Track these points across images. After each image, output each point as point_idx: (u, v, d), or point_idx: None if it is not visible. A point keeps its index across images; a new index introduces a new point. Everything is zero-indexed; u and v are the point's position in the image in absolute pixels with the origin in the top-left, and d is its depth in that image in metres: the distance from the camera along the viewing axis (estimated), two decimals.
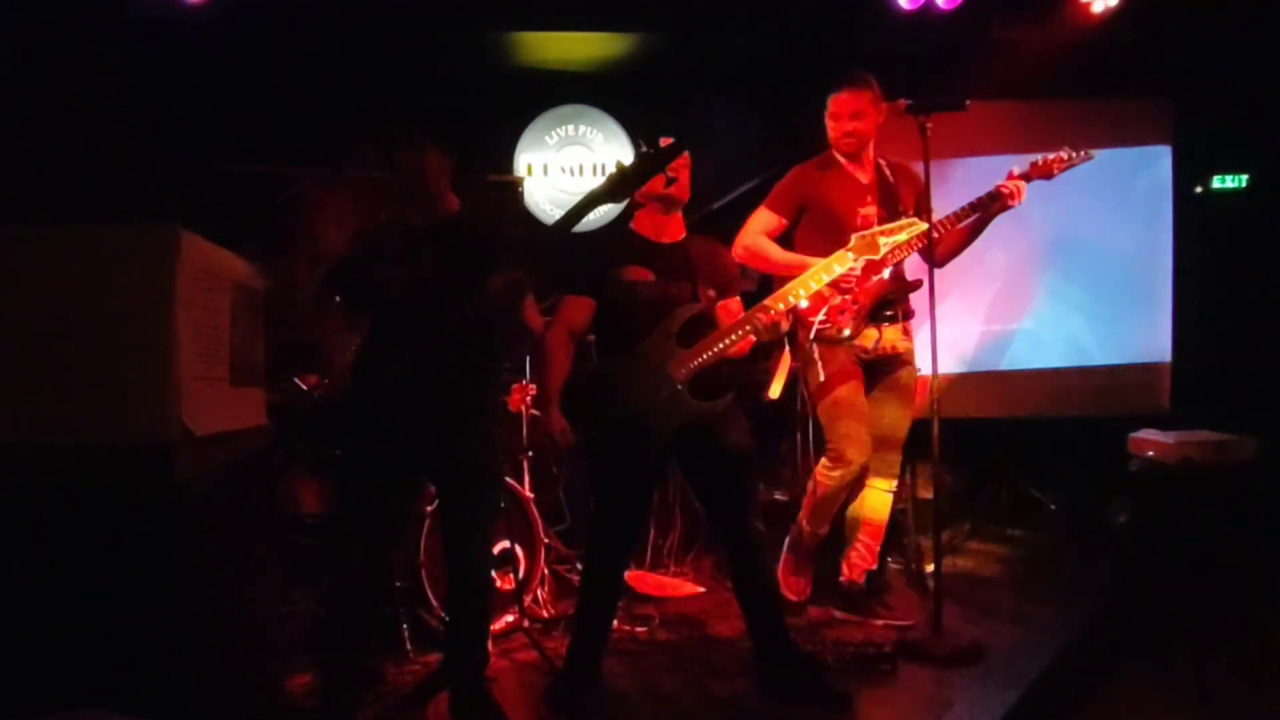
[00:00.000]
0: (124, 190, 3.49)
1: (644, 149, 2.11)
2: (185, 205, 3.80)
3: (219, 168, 4.04)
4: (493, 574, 2.43)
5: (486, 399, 2.41)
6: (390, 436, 2.22)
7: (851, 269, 2.88)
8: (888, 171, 3.16)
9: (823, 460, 3.05)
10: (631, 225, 2.65)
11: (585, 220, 2.17)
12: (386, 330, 2.28)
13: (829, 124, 3.12)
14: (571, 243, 2.37)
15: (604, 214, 4.50)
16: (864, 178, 3.12)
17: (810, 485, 3.11)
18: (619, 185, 2.11)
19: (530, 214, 4.70)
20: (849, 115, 3.05)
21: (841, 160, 3.12)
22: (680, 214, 2.63)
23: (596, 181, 4.78)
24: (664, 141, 2.11)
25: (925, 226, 2.77)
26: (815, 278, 2.61)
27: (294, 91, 4.18)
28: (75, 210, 3.08)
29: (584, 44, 4.40)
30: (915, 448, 3.27)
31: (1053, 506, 4.54)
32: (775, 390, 3.01)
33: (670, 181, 2.49)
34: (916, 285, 3.12)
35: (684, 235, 2.63)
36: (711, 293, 2.57)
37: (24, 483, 1.23)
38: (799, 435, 3.65)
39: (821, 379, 3.03)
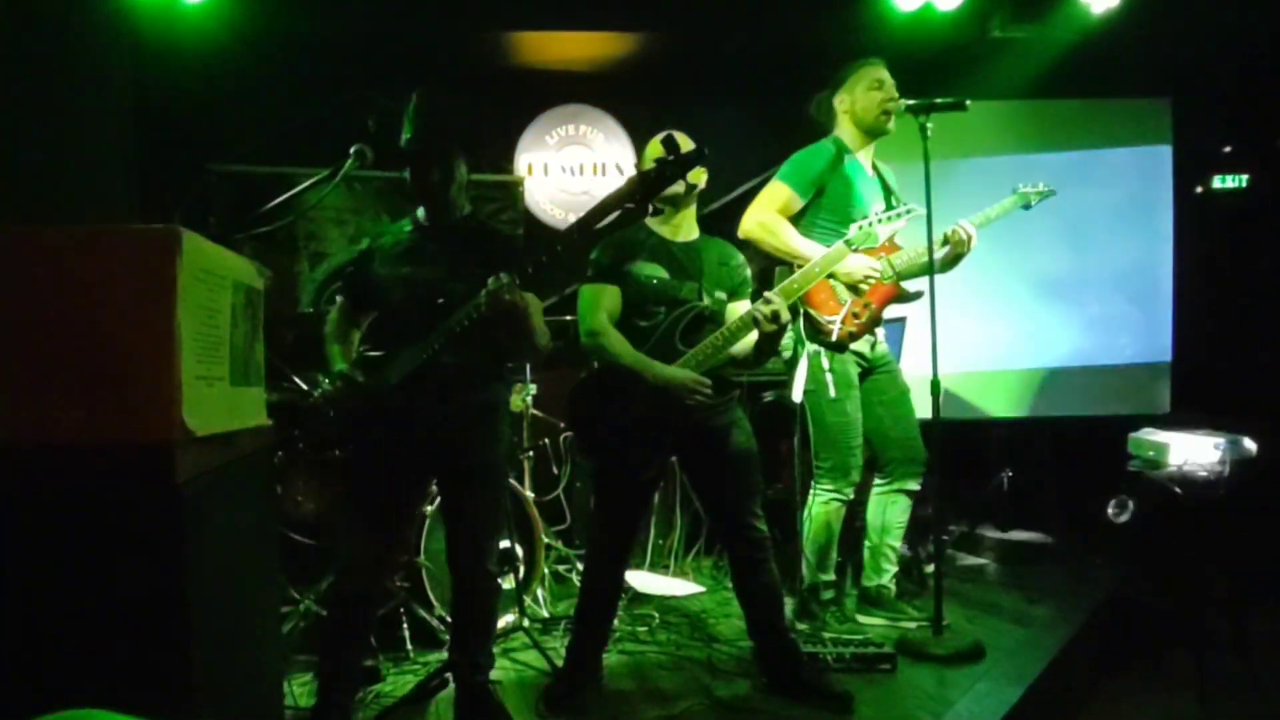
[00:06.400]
0: (124, 190, 3.49)
1: (666, 156, 2.05)
2: (185, 205, 3.81)
3: (219, 168, 4.05)
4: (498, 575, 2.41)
5: (493, 398, 2.38)
6: (400, 437, 2.22)
7: (869, 275, 2.86)
8: (879, 167, 3.11)
9: (825, 484, 2.98)
10: (646, 220, 2.60)
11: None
12: (392, 330, 2.27)
13: (873, 95, 2.96)
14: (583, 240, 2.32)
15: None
16: (869, 170, 3.06)
17: (814, 526, 3.00)
18: (636, 191, 2.02)
19: (534, 218, 4.71)
20: (889, 84, 2.97)
21: (853, 149, 3.02)
22: (694, 212, 2.59)
23: (597, 181, 4.84)
24: (682, 145, 2.06)
25: (922, 212, 2.70)
26: (821, 272, 2.59)
27: (294, 91, 4.18)
28: (75, 210, 3.08)
29: (584, 44, 4.40)
30: None
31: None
32: (797, 393, 2.95)
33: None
34: (917, 294, 3.04)
35: (698, 235, 2.59)
36: (721, 294, 2.53)
37: (24, 483, 1.23)
38: (799, 435, 3.63)
39: (833, 394, 2.93)
